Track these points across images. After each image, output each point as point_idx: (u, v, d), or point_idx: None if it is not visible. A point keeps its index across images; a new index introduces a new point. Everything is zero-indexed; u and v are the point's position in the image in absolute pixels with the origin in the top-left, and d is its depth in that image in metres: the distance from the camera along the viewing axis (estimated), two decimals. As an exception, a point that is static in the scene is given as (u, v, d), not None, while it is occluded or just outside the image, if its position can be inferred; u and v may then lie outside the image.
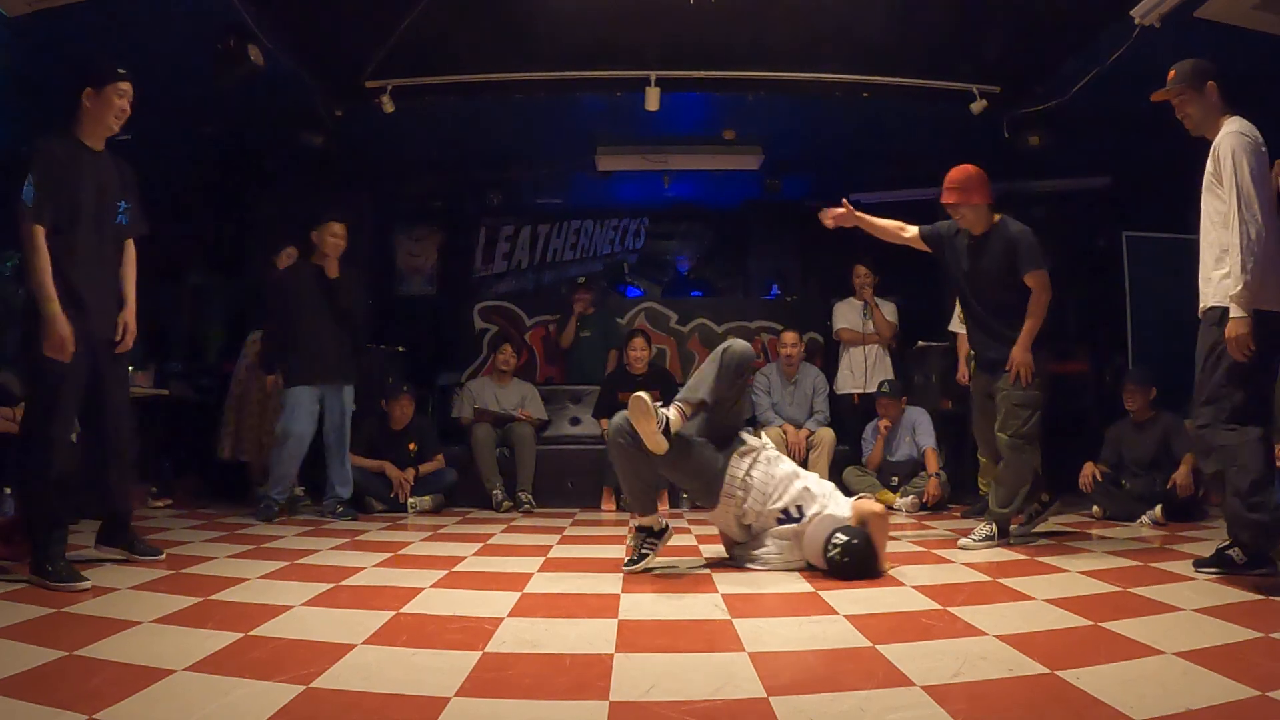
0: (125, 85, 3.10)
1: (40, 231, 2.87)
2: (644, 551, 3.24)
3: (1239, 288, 2.82)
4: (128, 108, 3.12)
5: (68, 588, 2.73)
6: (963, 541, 3.82)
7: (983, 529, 3.85)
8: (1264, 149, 2.91)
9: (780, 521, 3.25)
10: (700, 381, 3.35)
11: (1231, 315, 2.86)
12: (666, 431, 3.13)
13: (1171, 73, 3.11)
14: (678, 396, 3.35)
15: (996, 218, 3.95)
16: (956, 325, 5.53)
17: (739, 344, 3.41)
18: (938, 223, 4.18)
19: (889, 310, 6.13)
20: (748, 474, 3.29)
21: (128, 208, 3.21)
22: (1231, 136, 2.90)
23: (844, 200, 4.04)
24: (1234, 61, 3.21)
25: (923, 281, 6.66)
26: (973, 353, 4.15)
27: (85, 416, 3.16)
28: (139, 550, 3.32)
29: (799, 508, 3.24)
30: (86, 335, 2.98)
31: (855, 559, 3.00)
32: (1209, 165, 2.99)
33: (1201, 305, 3.09)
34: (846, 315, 6.20)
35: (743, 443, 3.39)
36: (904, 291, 6.34)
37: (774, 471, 3.31)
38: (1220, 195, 2.92)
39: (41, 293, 2.84)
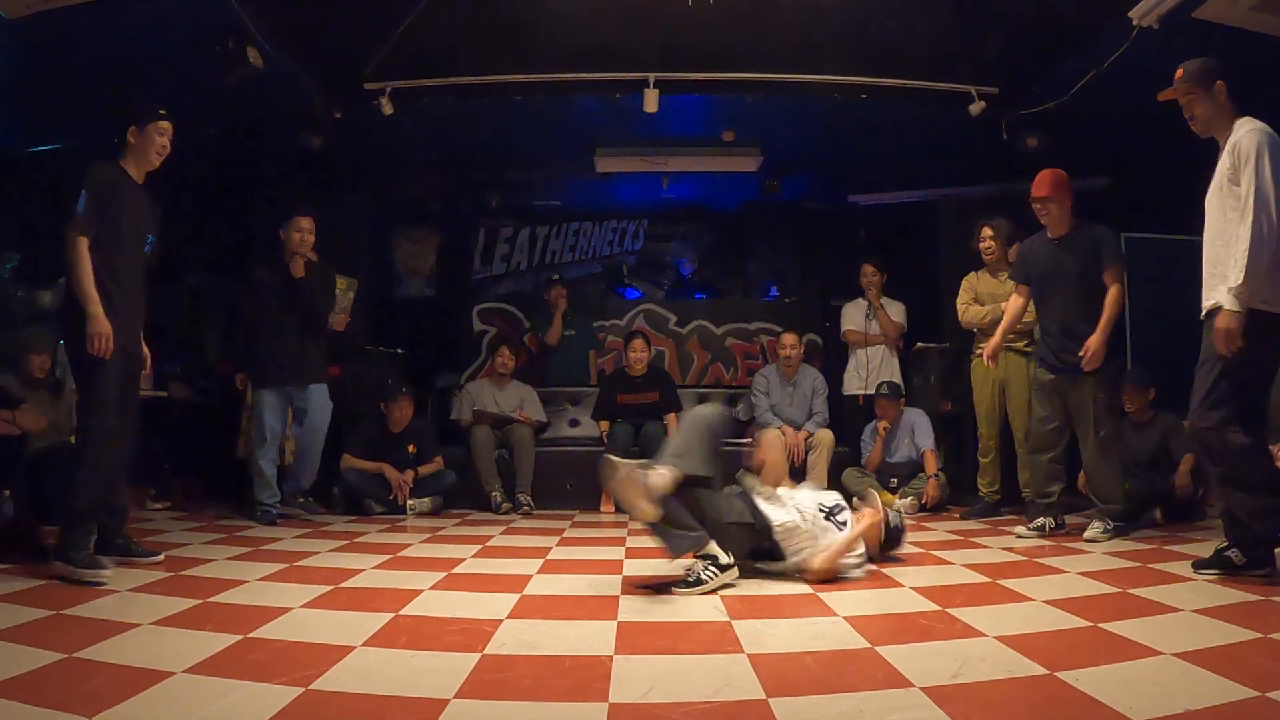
0: (165, 124, 3.37)
1: (84, 242, 3.11)
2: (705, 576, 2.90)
3: (1239, 283, 2.77)
4: (168, 145, 3.40)
5: (91, 575, 2.91)
6: (1088, 534, 3.94)
7: (1098, 525, 3.96)
8: None
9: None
10: (688, 451, 3.03)
11: (1225, 308, 2.81)
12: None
13: (1179, 72, 3.06)
14: (667, 457, 3.02)
15: (1075, 222, 4.17)
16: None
17: (712, 410, 3.29)
18: (1017, 263, 4.44)
19: (895, 310, 6.12)
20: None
21: (153, 241, 3.45)
22: (1255, 133, 2.84)
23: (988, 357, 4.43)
24: (1232, 63, 3.20)
25: (922, 283, 6.68)
26: (1039, 357, 4.30)
27: None
28: (136, 553, 3.35)
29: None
30: (118, 345, 3.18)
31: None
32: (1225, 162, 2.92)
33: (1207, 305, 3.01)
34: (852, 316, 6.20)
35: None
36: (904, 293, 6.35)
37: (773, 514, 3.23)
38: (1238, 193, 2.85)
39: (85, 294, 3.07)
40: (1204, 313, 3.02)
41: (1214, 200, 2.99)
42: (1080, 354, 3.94)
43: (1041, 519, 4.15)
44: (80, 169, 3.21)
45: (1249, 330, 2.81)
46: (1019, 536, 4.11)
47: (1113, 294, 3.99)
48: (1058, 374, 4.12)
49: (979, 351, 5.04)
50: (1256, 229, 2.75)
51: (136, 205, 3.32)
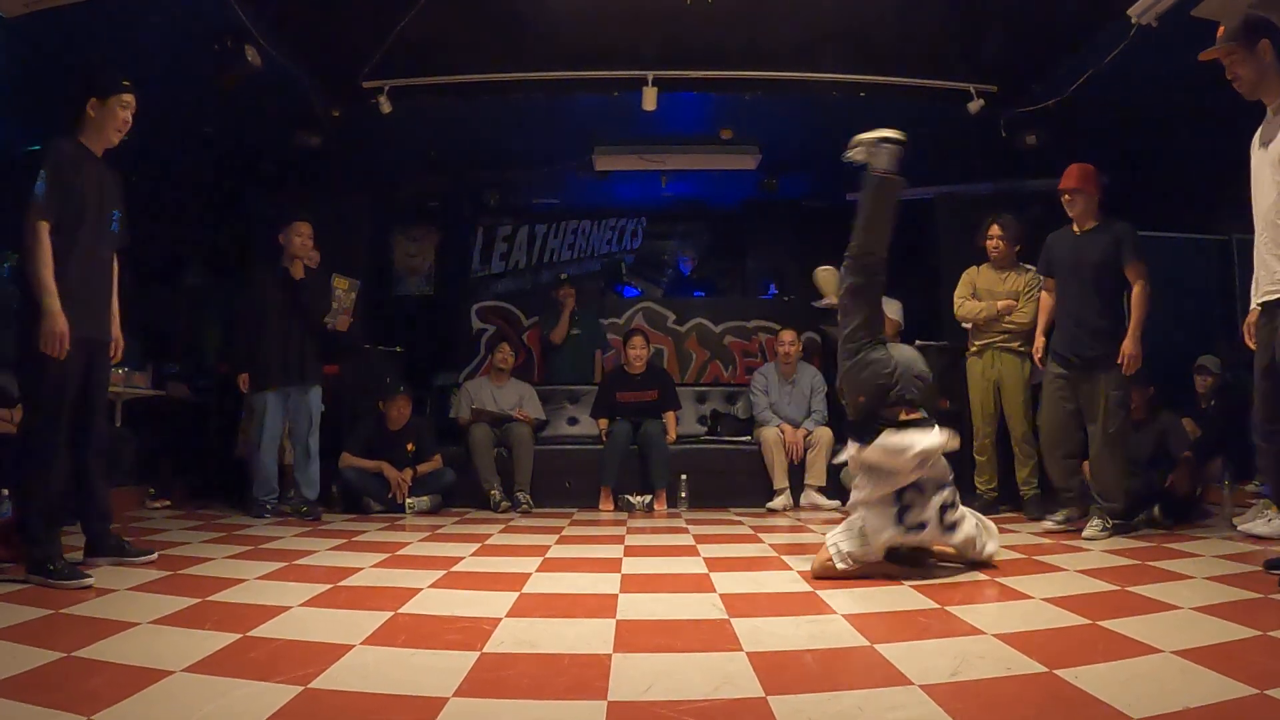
0: (128, 97, 3.17)
1: (45, 227, 2.92)
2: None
3: None
4: (130, 119, 3.20)
5: (72, 585, 2.77)
6: (1087, 532, 3.95)
7: (1097, 523, 3.96)
8: None
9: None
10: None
11: None
12: None
13: (1220, 29, 2.82)
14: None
15: (1100, 217, 4.19)
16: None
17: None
18: (1041, 256, 4.46)
19: (892, 309, 6.13)
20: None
21: (119, 217, 3.27)
22: None
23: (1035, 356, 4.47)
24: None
25: (921, 281, 6.67)
26: (1053, 351, 4.30)
27: (72, 415, 3.17)
28: (130, 552, 3.29)
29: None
30: (82, 334, 3.01)
31: None
32: (1267, 132, 2.71)
33: (1265, 294, 2.81)
34: None
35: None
36: (902, 291, 6.35)
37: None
38: None
39: (41, 287, 2.88)
40: (1261, 299, 2.82)
41: (1261, 175, 2.77)
42: (1118, 360, 3.97)
43: (1066, 511, 4.23)
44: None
45: None
46: (1047, 532, 4.13)
47: (1137, 293, 4.02)
48: (1069, 369, 4.14)
49: (975, 348, 5.04)
50: None
51: (100, 181, 3.14)
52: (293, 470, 5.09)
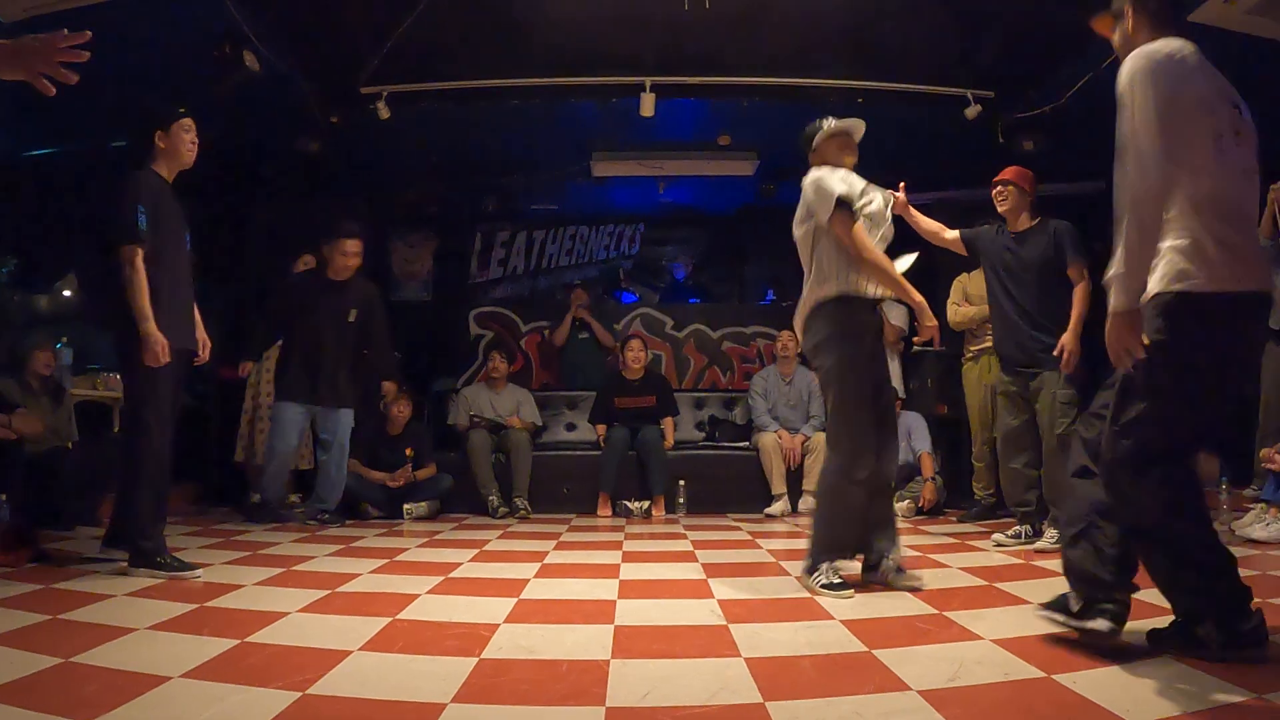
0: (188, 121, 3.40)
1: (141, 254, 3.16)
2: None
3: (1116, 269, 1.97)
4: (196, 138, 3.41)
5: (188, 576, 3.07)
6: (1038, 545, 3.81)
7: (1052, 534, 3.77)
8: (1187, 65, 2.17)
9: None
10: None
11: (1110, 309, 1.97)
12: None
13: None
14: None
15: (1034, 219, 4.05)
16: None
17: None
18: (977, 227, 4.29)
19: (895, 314, 6.13)
20: None
21: (190, 238, 3.49)
22: (1130, 60, 2.16)
23: (900, 185, 3.97)
24: (1228, 67, 3.21)
25: (919, 286, 6.67)
26: (1001, 360, 4.15)
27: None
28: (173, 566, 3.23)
29: None
30: (178, 346, 3.27)
31: None
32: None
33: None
34: None
35: None
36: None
37: None
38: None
39: (141, 313, 3.13)
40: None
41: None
42: (1055, 353, 3.75)
43: (1018, 527, 4.05)
44: (101, 176, 3.20)
45: (1171, 326, 1.95)
46: (997, 545, 4.00)
47: (1079, 292, 3.82)
48: (1017, 375, 4.00)
49: (970, 354, 5.04)
50: (1129, 199, 2.02)
51: (175, 208, 3.36)
52: (317, 476, 5.01)
